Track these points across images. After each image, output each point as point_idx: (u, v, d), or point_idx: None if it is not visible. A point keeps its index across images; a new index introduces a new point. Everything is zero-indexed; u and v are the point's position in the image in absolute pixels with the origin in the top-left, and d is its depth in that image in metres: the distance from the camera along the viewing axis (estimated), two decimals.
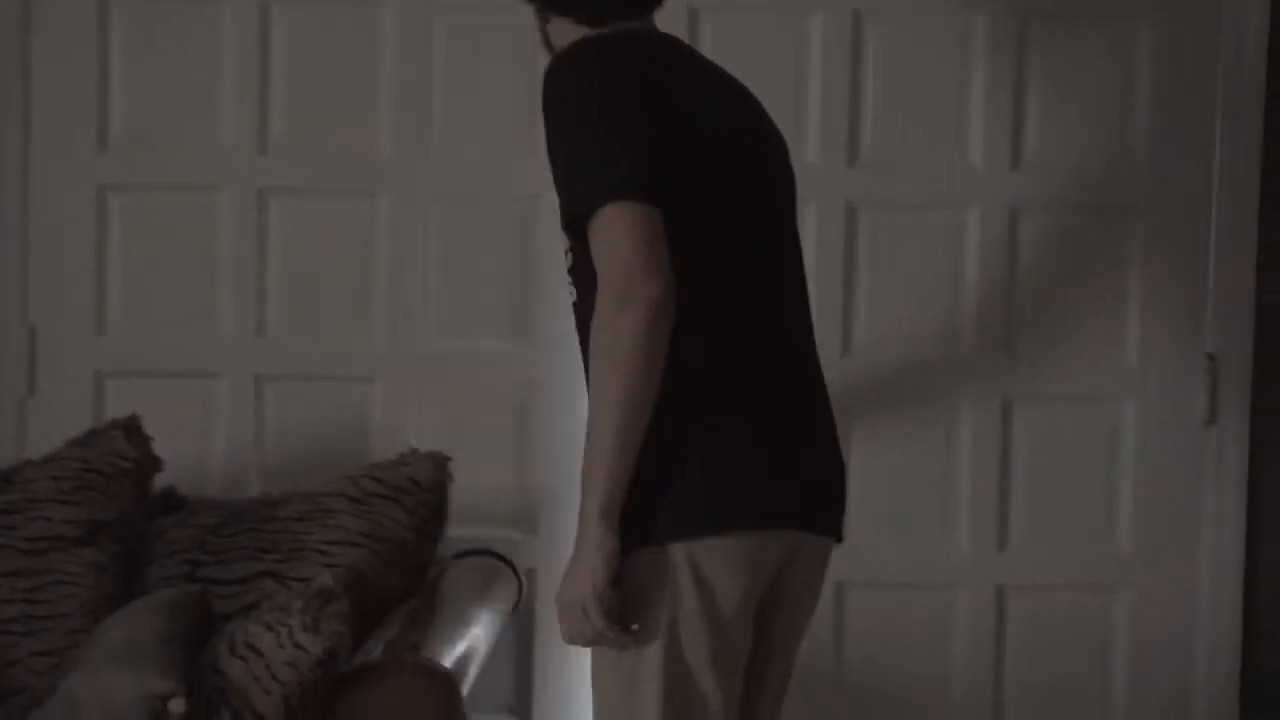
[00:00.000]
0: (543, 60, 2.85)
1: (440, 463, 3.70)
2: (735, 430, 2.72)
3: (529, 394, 4.04)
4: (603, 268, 2.60)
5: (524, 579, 3.86)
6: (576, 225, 2.67)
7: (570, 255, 2.79)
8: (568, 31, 2.89)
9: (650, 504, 2.66)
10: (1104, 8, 4.05)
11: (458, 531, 3.76)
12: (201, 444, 4.02)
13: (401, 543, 3.59)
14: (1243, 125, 4.06)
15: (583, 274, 2.73)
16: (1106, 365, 4.10)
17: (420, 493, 3.65)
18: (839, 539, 2.90)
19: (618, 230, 2.59)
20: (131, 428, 3.70)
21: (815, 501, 2.82)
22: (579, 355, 2.73)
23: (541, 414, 4.02)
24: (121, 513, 3.63)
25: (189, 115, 4.01)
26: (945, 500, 4.08)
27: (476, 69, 4.00)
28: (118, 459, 3.65)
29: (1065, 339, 4.07)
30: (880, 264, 4.05)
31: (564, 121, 2.68)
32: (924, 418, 4.06)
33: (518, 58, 3.81)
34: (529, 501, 4.03)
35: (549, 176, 2.69)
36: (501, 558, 3.83)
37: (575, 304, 2.81)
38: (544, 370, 4.01)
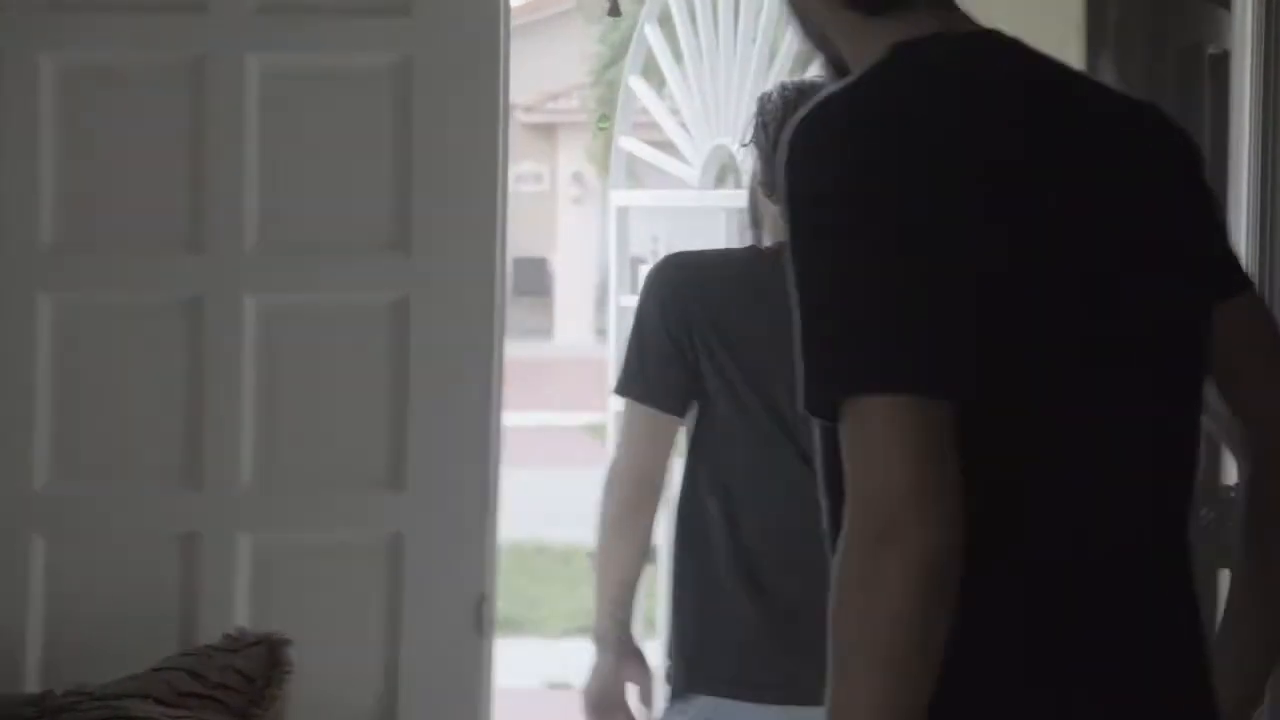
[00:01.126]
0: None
1: (275, 648, 3.45)
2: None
3: (393, 551, 3.76)
4: (853, 492, 1.85)
5: None
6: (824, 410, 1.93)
7: (818, 440, 2.04)
8: (829, 20, 2.08)
9: None
10: None
11: None
12: None
13: None
14: None
15: (832, 477, 1.97)
16: None
17: (249, 689, 3.41)
18: None
19: (880, 441, 1.82)
20: None
21: None
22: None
23: (409, 576, 3.74)
24: None
25: None
26: None
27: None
28: None
29: None
30: None
31: (808, 245, 1.90)
32: None
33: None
34: (391, 691, 3.74)
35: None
36: None
37: (826, 525, 2.05)
38: (413, 523, 3.73)
